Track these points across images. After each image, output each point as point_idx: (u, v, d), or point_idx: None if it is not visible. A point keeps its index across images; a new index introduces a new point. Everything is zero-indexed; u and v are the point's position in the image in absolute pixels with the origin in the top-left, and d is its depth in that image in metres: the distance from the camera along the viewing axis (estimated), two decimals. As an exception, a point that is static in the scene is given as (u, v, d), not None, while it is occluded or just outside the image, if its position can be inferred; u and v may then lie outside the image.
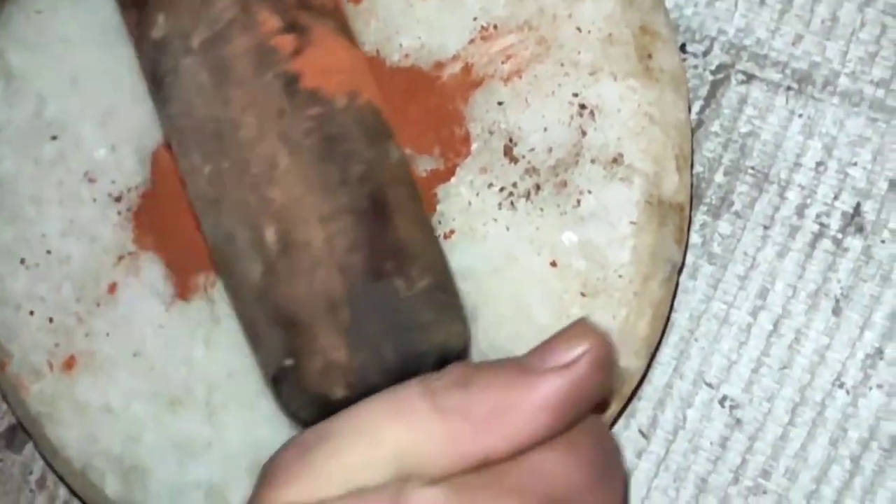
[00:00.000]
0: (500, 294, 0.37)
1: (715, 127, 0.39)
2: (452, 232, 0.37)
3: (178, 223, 0.41)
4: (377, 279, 0.33)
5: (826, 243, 0.38)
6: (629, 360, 0.36)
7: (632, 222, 0.36)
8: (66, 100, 0.43)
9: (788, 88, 0.39)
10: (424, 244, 0.34)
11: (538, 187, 0.37)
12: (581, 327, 0.31)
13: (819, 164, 0.38)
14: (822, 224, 0.38)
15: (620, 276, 0.36)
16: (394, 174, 0.34)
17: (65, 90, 0.43)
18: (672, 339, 0.39)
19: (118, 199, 0.42)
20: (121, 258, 0.41)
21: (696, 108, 0.40)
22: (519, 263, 0.37)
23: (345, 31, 0.36)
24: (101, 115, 0.42)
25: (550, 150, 0.37)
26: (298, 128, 0.33)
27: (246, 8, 0.34)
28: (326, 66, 0.34)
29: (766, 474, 0.38)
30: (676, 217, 0.36)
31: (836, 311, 0.38)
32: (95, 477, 0.41)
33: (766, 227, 0.39)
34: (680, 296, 0.39)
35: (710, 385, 0.39)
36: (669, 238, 0.36)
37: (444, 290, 0.34)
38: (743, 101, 0.39)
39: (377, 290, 0.33)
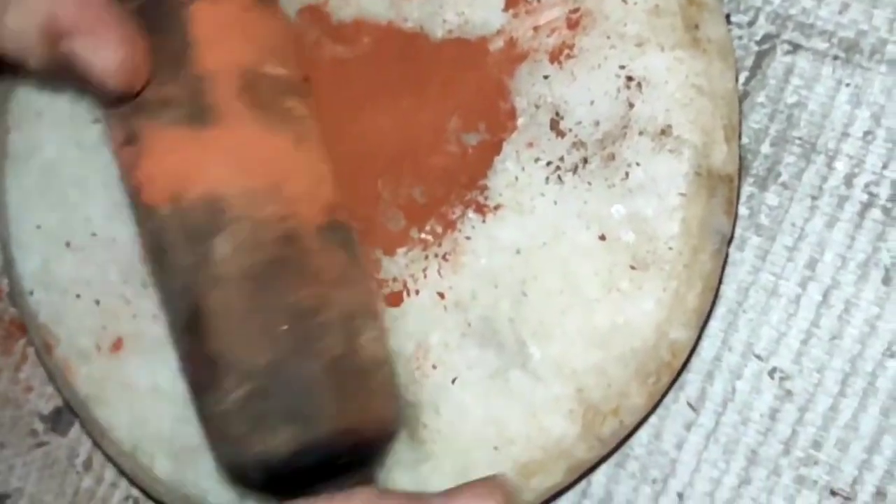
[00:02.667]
0: (548, 269, 0.37)
1: (761, 98, 0.39)
2: (499, 207, 0.37)
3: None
4: (197, 394, 0.35)
5: (875, 213, 0.38)
6: (679, 333, 0.36)
7: (681, 194, 0.36)
8: (108, 83, 0.43)
9: (835, 58, 0.38)
10: (247, 345, 0.34)
11: (585, 161, 0.37)
12: (493, 484, 0.33)
13: (867, 133, 0.38)
14: (870, 193, 0.38)
15: (670, 249, 0.36)
16: (220, 271, 0.34)
17: (106, 73, 0.43)
18: (720, 311, 0.39)
19: (163, 181, 0.42)
20: (166, 239, 0.41)
21: (741, 79, 0.39)
22: (567, 237, 0.36)
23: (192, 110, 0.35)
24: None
25: (597, 123, 0.37)
26: (143, 242, 0.36)
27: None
28: (152, 173, 0.35)
29: (816, 445, 0.38)
30: (725, 188, 0.36)
31: (886, 281, 0.37)
32: (145, 458, 0.41)
33: (814, 198, 0.38)
34: (728, 268, 0.39)
35: (759, 357, 0.38)
36: (719, 209, 0.36)
37: (266, 396, 0.34)
38: (789, 71, 0.39)
39: (197, 406, 0.36)
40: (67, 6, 0.33)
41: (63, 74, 0.34)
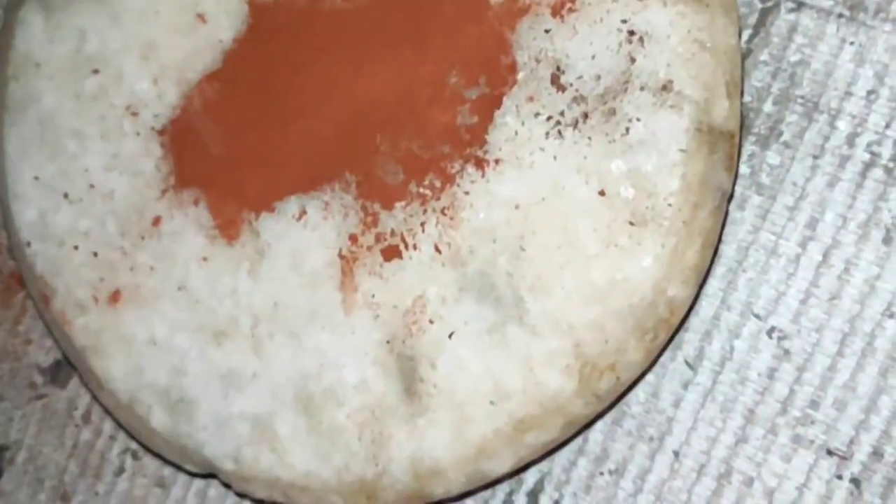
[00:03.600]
0: (547, 224, 0.36)
1: (764, 56, 0.39)
2: (499, 161, 0.37)
3: (221, 156, 0.41)
4: None
5: (877, 172, 0.37)
6: (677, 290, 0.36)
7: (681, 150, 0.35)
8: (107, 33, 0.42)
9: (840, 16, 0.38)
10: None
11: (586, 116, 0.36)
12: None
13: (870, 92, 0.38)
14: (872, 153, 0.37)
15: (670, 205, 0.35)
16: None
17: (105, 24, 0.42)
18: (719, 270, 0.39)
19: (161, 133, 0.41)
20: (164, 192, 0.41)
21: (745, 36, 0.39)
22: (567, 193, 0.36)
23: None
24: (143, 48, 0.42)
25: (599, 77, 0.36)
26: None
27: None
28: None
29: (814, 405, 0.38)
30: (726, 144, 0.36)
31: (887, 241, 0.37)
32: (142, 409, 0.41)
33: (815, 157, 0.38)
34: (728, 227, 0.39)
35: (757, 316, 0.38)
36: (719, 166, 0.36)
37: None
38: (793, 29, 0.39)
39: None
40: None
41: None
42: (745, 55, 0.39)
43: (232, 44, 0.41)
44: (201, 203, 0.41)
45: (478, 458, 0.37)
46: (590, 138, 0.36)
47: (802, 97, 0.38)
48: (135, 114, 0.42)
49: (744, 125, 0.38)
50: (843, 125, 0.38)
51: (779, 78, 0.39)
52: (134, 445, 0.46)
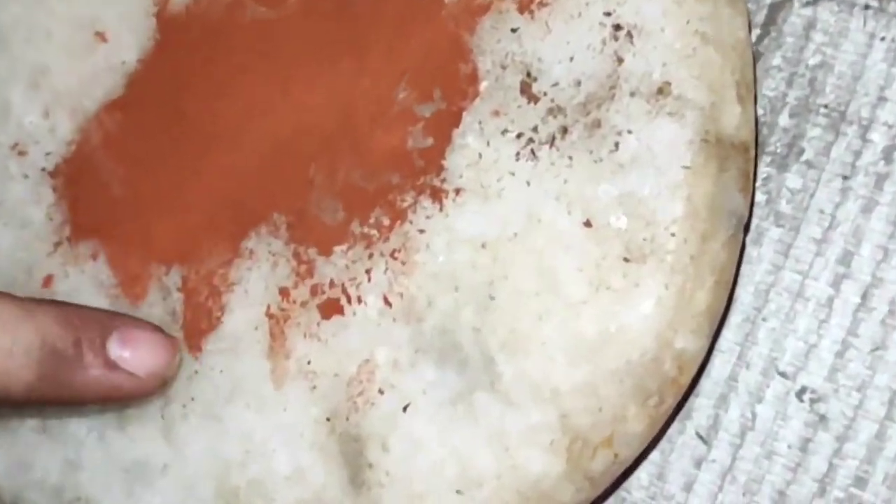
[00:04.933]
0: (521, 266, 0.32)
1: (776, 60, 0.35)
2: (460, 191, 0.33)
3: (124, 200, 0.37)
4: None
5: (922, 193, 0.33)
6: (686, 341, 0.31)
7: (685, 167, 0.31)
8: (-8, 61, 0.40)
9: (866, 7, 0.34)
10: None
11: (565, 130, 0.32)
12: None
13: (909, 96, 0.34)
14: (915, 170, 0.34)
15: (673, 235, 0.31)
16: None
17: (-10, 50, 0.40)
18: (734, 319, 0.35)
19: (53, 174, 0.38)
20: (57, 245, 0.38)
21: (752, 38, 0.35)
22: (544, 226, 0.32)
23: None
24: (32, 75, 0.39)
25: (579, 83, 0.32)
26: None
27: None
28: None
29: (860, 482, 0.33)
30: (740, 159, 0.32)
31: (940, 277, 0.33)
32: (29, 513, 0.37)
33: (845, 178, 0.34)
34: (742, 267, 0.34)
35: (784, 375, 0.34)
36: (732, 186, 0.31)
37: None
38: (810, 26, 0.35)
39: None
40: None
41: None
42: (755, 60, 0.34)
43: (136, 65, 0.38)
44: (100, 257, 0.37)
45: (443, 563, 0.32)
46: (570, 158, 0.32)
47: (826, 106, 0.34)
48: (22, 153, 0.39)
49: (756, 143, 0.34)
50: (878, 137, 0.34)
51: (796, 85, 0.35)
52: (31, 558, 0.40)
